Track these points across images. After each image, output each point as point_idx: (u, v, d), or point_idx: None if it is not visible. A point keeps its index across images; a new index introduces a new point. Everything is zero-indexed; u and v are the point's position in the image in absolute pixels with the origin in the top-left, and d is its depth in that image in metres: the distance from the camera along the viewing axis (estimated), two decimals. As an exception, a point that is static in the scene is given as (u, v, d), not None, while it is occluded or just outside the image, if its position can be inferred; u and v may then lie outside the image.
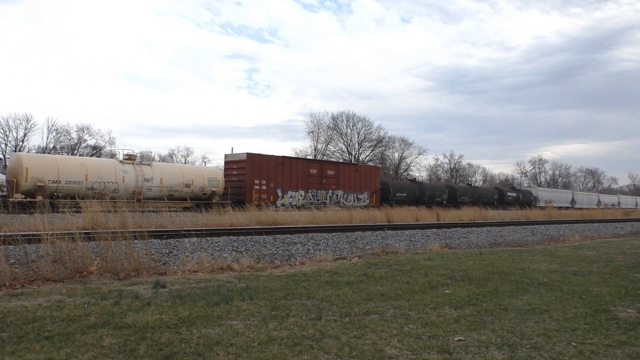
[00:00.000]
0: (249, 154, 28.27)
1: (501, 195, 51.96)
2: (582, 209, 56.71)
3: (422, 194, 41.15)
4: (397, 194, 39.18)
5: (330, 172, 33.09)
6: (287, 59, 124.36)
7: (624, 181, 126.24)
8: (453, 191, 45.83)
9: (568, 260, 10.22)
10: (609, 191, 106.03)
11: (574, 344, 4.28)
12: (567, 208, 50.55)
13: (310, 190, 31.21)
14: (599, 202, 74.40)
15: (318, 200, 31.39)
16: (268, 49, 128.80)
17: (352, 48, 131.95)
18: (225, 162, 29.88)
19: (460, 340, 4.27)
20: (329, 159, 67.98)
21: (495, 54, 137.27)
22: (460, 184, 59.79)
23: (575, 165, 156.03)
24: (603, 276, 8.12)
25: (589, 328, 4.79)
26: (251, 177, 27.67)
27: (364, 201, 34.98)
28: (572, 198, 66.70)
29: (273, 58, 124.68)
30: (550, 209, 44.13)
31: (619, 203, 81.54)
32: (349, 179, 34.23)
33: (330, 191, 32.56)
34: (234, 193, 27.19)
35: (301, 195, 30.55)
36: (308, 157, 27.70)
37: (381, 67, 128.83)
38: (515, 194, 54.29)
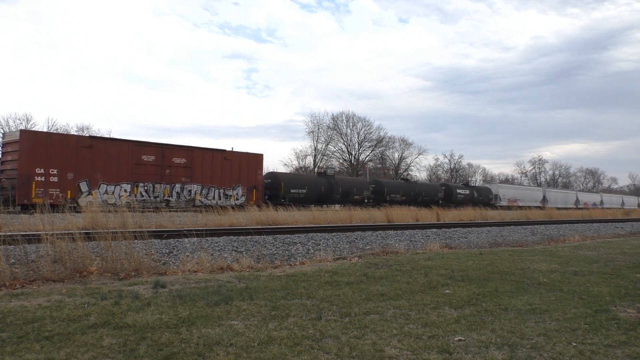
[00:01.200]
0: (23, 132, 21.24)
1: (448, 193, 45.28)
2: (555, 209, 46.64)
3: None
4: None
5: (178, 160, 24.82)
6: (286, 59, 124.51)
7: (624, 181, 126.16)
8: (381, 187, 38.89)
9: (568, 260, 10.22)
10: (610, 191, 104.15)
11: (574, 344, 4.27)
12: (536, 208, 41.76)
13: (142, 184, 23.22)
14: (577, 200, 67.65)
15: (156, 197, 23.72)
16: (266, 49, 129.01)
17: (350, 48, 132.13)
18: (2, 145, 22.56)
19: (460, 340, 4.27)
20: (329, 160, 68.11)
21: (493, 54, 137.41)
22: (402, 180, 48.23)
23: (575, 165, 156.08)
24: (603, 276, 8.12)
25: (589, 328, 4.79)
26: (28, 164, 19.74)
27: (237, 199, 27.14)
28: (544, 196, 59.99)
29: (272, 58, 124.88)
30: (516, 209, 39.98)
31: (601, 202, 73.68)
32: (211, 170, 26.14)
33: (178, 185, 24.61)
34: (9, 187, 20.05)
35: (125, 191, 22.64)
36: (134, 139, 23.45)
37: (380, 67, 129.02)
38: (467, 192, 47.62)
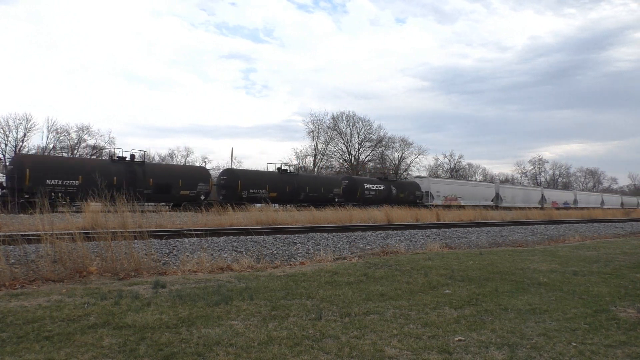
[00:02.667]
0: None
1: (351, 189, 36.10)
2: (510, 208, 42.12)
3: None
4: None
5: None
6: (284, 59, 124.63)
7: (624, 181, 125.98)
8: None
9: (568, 260, 10.22)
10: (608, 190, 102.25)
11: (574, 344, 4.27)
12: (487, 208, 33.74)
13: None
14: (544, 199, 59.41)
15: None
16: (264, 49, 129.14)
17: (348, 48, 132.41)
18: None
19: (460, 340, 4.27)
20: (329, 160, 68.01)
21: (490, 54, 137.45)
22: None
23: (575, 165, 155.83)
24: (603, 276, 8.12)
25: (589, 328, 4.78)
26: None
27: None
28: (497, 194, 51.73)
29: (269, 58, 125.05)
30: (456, 209, 32.48)
31: (575, 201, 65.76)
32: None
33: None
34: None
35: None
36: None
37: (378, 67, 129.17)
38: (382, 187, 38.49)
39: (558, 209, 50.70)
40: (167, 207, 26.41)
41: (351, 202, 31.71)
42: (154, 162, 32.09)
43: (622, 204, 78.47)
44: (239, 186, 28.92)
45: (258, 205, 26.90)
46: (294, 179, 32.63)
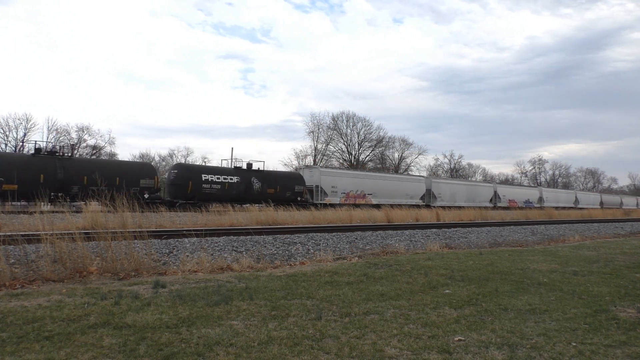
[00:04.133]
0: None
1: (181, 182, 26.30)
2: (450, 208, 31.27)
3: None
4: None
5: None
6: (282, 59, 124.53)
7: (623, 181, 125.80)
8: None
9: (568, 260, 10.22)
10: (590, 189, 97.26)
11: (574, 344, 4.27)
12: (412, 207, 28.16)
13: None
14: (497, 197, 50.19)
15: None
16: (262, 49, 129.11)
17: (346, 48, 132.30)
18: None
19: (460, 340, 4.27)
20: (329, 160, 68.00)
21: (488, 54, 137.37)
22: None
23: (574, 165, 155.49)
24: (603, 276, 8.12)
25: (589, 328, 4.78)
26: None
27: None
28: (428, 190, 42.55)
29: (267, 58, 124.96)
30: (366, 209, 26.40)
31: (540, 199, 56.87)
32: None
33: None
34: None
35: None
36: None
37: (376, 67, 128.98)
38: (234, 180, 28.44)
39: (520, 209, 44.16)
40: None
41: (181, 199, 26.16)
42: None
43: (601, 202, 71.37)
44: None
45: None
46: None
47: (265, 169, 31.67)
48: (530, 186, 69.58)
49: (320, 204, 31.16)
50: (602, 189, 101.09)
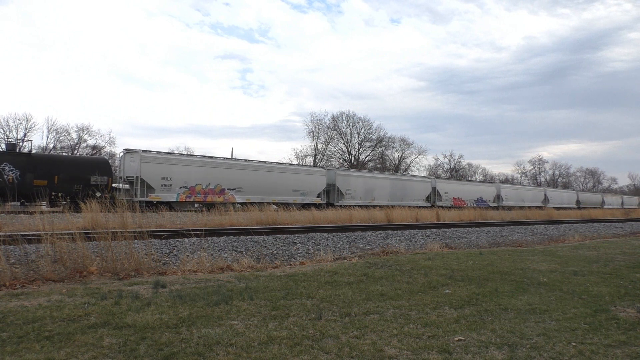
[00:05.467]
0: None
1: None
2: (354, 207, 24.03)
3: None
4: None
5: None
6: (280, 60, 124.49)
7: (623, 181, 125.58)
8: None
9: (568, 260, 10.22)
10: (560, 186, 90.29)
11: (574, 343, 4.28)
12: (309, 207, 25.24)
13: None
14: (437, 194, 42.54)
15: None
16: (260, 50, 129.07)
17: (343, 48, 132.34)
18: None
19: (460, 340, 4.28)
20: (329, 160, 67.99)
21: (486, 54, 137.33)
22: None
23: (574, 165, 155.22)
24: (603, 276, 8.12)
25: (589, 328, 4.79)
26: None
27: None
28: (333, 186, 34.28)
29: (265, 58, 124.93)
30: (218, 213, 18.55)
31: (498, 198, 49.73)
32: None
33: None
34: None
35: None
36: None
37: (373, 67, 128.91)
38: None
39: (461, 207, 36.82)
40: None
41: None
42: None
43: (577, 201, 64.40)
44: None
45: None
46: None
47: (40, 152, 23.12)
48: (486, 183, 59.62)
49: (141, 200, 23.25)
50: (579, 189, 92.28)
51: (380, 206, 28.56)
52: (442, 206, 37.45)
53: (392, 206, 26.22)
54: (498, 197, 50.40)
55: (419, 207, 30.70)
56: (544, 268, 8.90)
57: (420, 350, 3.99)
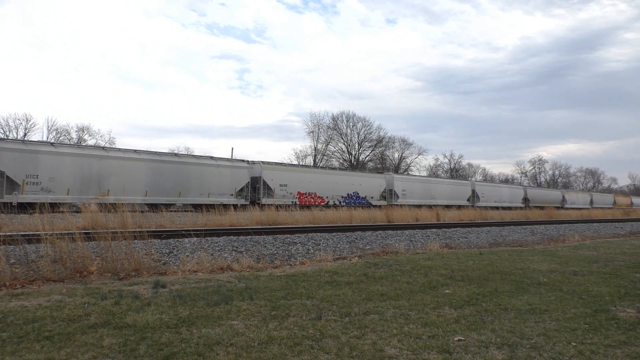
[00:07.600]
0: None
1: None
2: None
3: None
4: None
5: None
6: (277, 60, 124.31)
7: (623, 181, 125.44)
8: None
9: (568, 260, 10.22)
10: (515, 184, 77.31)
11: (574, 343, 4.28)
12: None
13: None
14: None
15: None
16: (257, 50, 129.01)
17: (340, 48, 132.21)
18: None
19: (460, 340, 4.28)
20: (329, 160, 67.99)
21: (482, 55, 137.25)
22: None
23: (574, 165, 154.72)
24: (603, 276, 8.12)
25: (589, 328, 4.79)
26: None
27: None
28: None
29: (263, 58, 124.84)
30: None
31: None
32: None
33: None
34: None
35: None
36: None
37: (371, 67, 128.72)
38: None
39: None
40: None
41: None
42: None
43: (525, 198, 55.53)
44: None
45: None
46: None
47: None
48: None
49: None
50: (527, 185, 78.58)
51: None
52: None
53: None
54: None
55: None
56: (544, 268, 8.90)
57: (420, 350, 3.99)
